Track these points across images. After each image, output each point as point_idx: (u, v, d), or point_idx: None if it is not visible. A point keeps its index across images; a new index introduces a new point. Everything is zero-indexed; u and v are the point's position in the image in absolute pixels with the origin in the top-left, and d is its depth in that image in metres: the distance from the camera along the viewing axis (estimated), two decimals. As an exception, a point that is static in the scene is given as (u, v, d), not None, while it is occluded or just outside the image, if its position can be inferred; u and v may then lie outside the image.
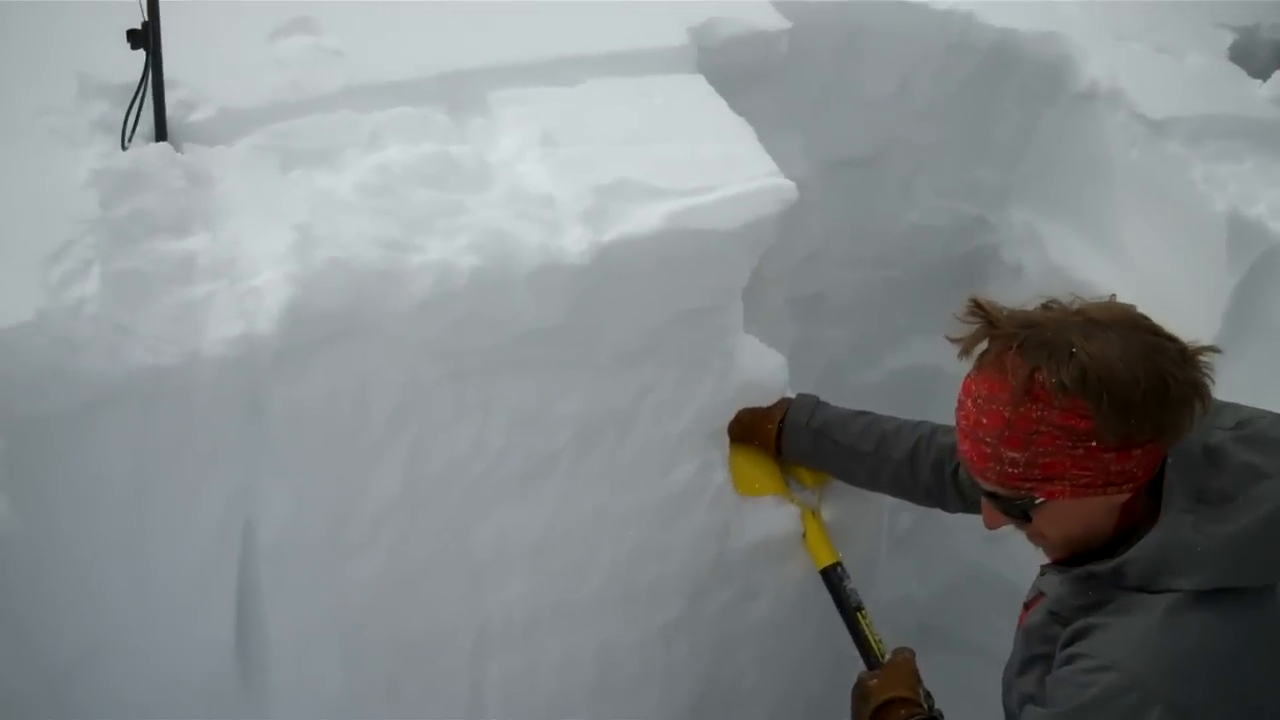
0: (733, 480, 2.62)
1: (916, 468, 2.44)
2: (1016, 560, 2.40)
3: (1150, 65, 3.24)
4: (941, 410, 2.44)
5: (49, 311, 1.95)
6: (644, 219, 2.31)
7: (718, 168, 2.45)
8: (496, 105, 2.56)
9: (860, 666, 2.47)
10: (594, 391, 2.41)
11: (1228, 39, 3.43)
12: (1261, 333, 2.83)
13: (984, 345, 1.78)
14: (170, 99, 2.35)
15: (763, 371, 2.59)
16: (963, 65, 3.33)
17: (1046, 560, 1.96)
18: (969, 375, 1.81)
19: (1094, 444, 1.72)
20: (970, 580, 3.58)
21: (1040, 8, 3.41)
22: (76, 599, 2.06)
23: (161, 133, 2.35)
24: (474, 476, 2.35)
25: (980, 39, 3.30)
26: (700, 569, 2.64)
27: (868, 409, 2.58)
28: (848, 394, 2.76)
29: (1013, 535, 1.93)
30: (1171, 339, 1.74)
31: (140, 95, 2.30)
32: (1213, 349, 1.75)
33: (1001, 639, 2.09)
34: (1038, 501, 1.79)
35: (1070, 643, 1.81)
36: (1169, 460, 1.77)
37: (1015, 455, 1.75)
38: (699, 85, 2.74)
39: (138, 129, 2.32)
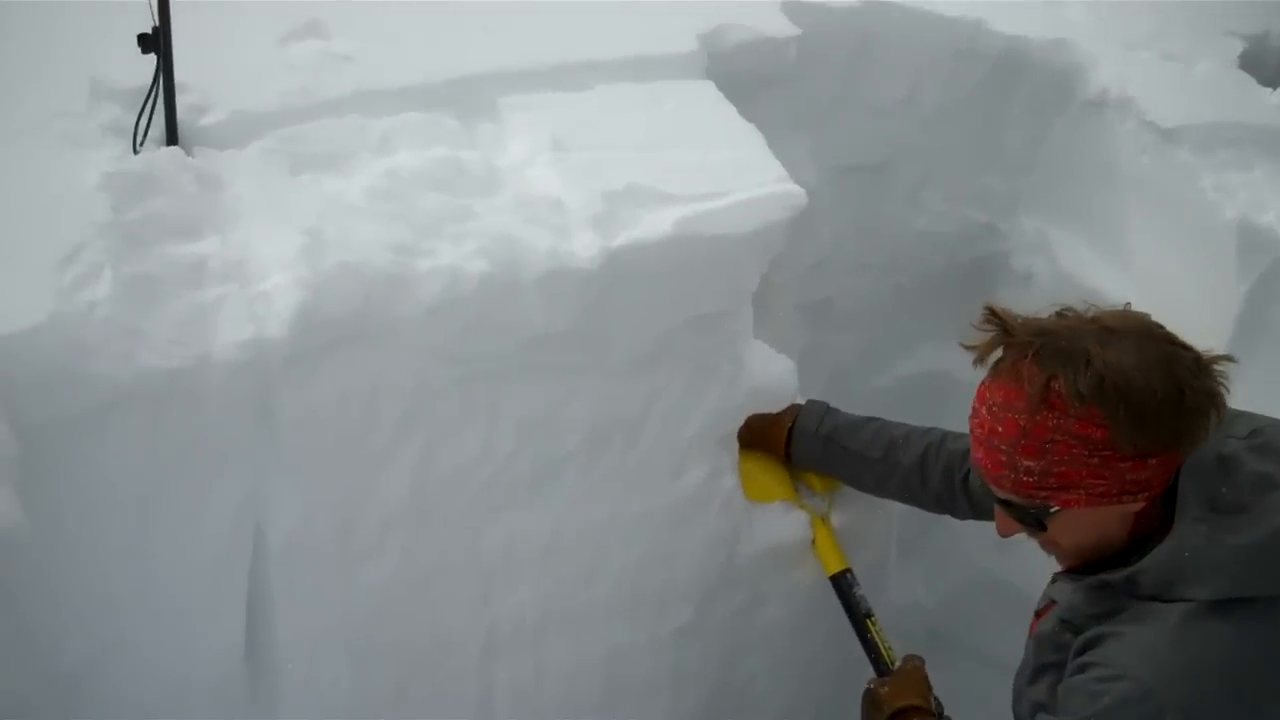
0: (742, 486, 2.62)
1: (926, 474, 2.43)
2: (1025, 567, 2.39)
3: (1160, 73, 3.24)
4: (951, 417, 2.44)
5: (60, 314, 1.95)
6: (654, 224, 2.31)
7: (727, 173, 2.45)
8: (506, 110, 2.56)
9: (869, 673, 2.46)
10: (603, 396, 2.41)
11: (1237, 46, 3.43)
12: (1272, 341, 2.82)
13: (999, 353, 1.77)
14: (181, 103, 2.36)
15: (772, 377, 2.59)
16: (972, 72, 3.32)
17: (1058, 568, 1.95)
18: (984, 383, 1.81)
19: (1110, 453, 1.71)
20: (979, 587, 3.57)
21: (1050, 15, 3.41)
22: (86, 602, 2.06)
23: (172, 137, 2.36)
24: (483, 481, 2.35)
25: (989, 46, 3.29)
26: (709, 574, 2.63)
27: (877, 415, 2.58)
28: (856, 400, 2.76)
29: (1021, 542, 1.93)
30: (1187, 348, 1.74)
31: (151, 99, 2.31)
32: (1228, 358, 1.74)
33: (1010, 646, 2.09)
34: (1052, 510, 1.78)
35: (1083, 651, 1.80)
36: (1183, 469, 1.76)
37: (1030, 464, 1.74)
38: (708, 91, 2.74)
39: (149, 133, 2.33)
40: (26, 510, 1.83)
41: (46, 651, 2.03)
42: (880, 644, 2.51)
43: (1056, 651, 1.87)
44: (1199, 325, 1.89)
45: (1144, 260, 3.11)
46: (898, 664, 2.44)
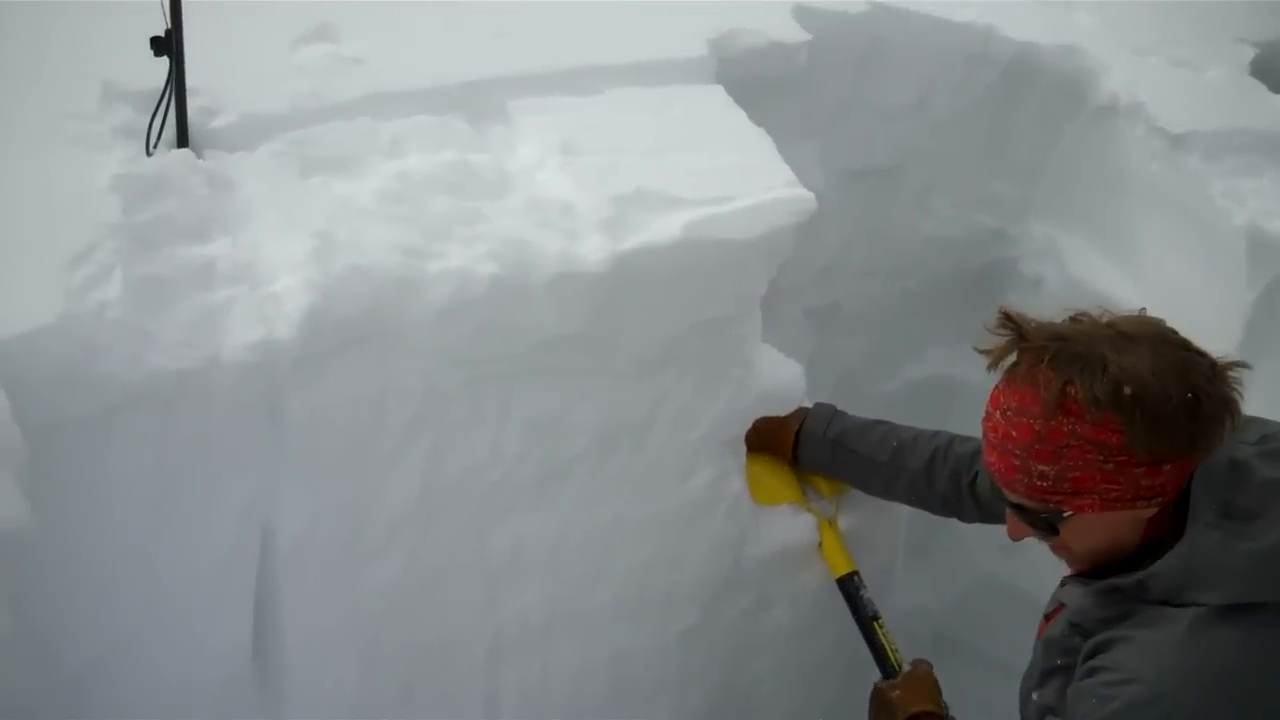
0: (749, 489, 2.62)
1: (933, 477, 2.43)
2: (1032, 571, 2.39)
3: (1170, 79, 3.23)
4: (958, 421, 2.45)
5: (71, 315, 1.96)
6: (663, 228, 2.32)
7: (736, 178, 2.45)
8: (516, 114, 2.57)
9: (876, 676, 2.46)
10: (611, 399, 2.41)
11: (1248, 53, 3.42)
12: (1280, 347, 2.81)
13: (1013, 357, 1.77)
14: (192, 105, 2.37)
15: (780, 381, 2.59)
16: (982, 77, 3.32)
17: (1066, 572, 1.95)
18: (998, 387, 1.80)
19: (1125, 458, 1.71)
20: (986, 591, 3.57)
21: (1060, 21, 3.40)
22: (93, 602, 2.07)
23: (183, 139, 2.36)
24: (491, 483, 2.35)
25: (1000, 51, 3.29)
26: (716, 577, 2.64)
27: (884, 419, 2.58)
28: (864, 404, 2.76)
29: (1029, 546, 1.93)
30: (1202, 354, 1.74)
31: (165, 102, 2.31)
32: (1242, 364, 1.75)
33: (1017, 650, 2.09)
34: (1065, 515, 1.78)
35: (1092, 655, 1.80)
36: (1196, 474, 1.76)
37: (1045, 468, 1.74)
38: (718, 95, 2.75)
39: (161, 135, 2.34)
40: (35, 510, 1.84)
41: (54, 651, 2.03)
42: (887, 647, 2.50)
43: (1065, 655, 1.87)
44: (1208, 331, 1.89)
45: (1153, 266, 3.10)
46: (905, 667, 2.44)
